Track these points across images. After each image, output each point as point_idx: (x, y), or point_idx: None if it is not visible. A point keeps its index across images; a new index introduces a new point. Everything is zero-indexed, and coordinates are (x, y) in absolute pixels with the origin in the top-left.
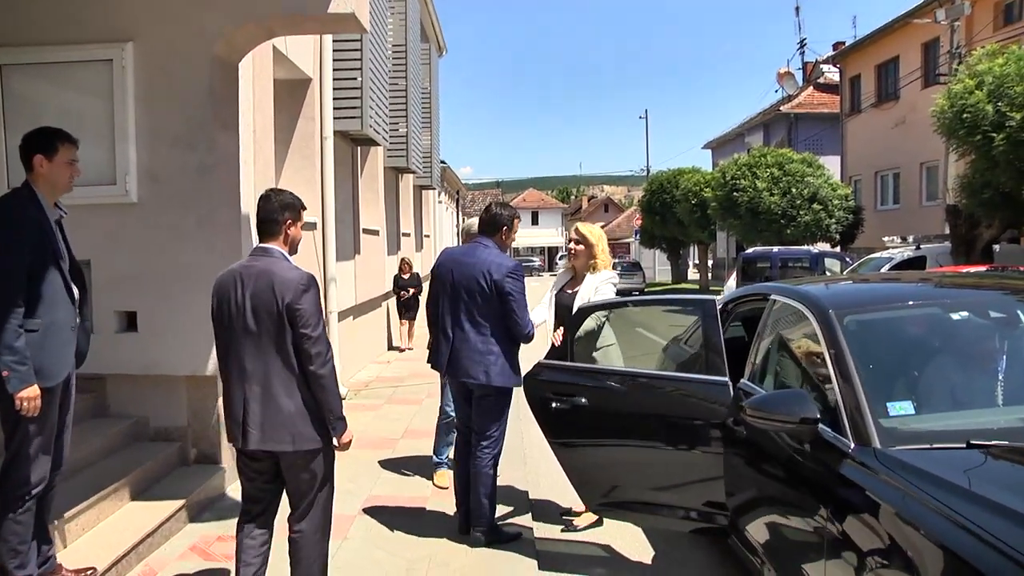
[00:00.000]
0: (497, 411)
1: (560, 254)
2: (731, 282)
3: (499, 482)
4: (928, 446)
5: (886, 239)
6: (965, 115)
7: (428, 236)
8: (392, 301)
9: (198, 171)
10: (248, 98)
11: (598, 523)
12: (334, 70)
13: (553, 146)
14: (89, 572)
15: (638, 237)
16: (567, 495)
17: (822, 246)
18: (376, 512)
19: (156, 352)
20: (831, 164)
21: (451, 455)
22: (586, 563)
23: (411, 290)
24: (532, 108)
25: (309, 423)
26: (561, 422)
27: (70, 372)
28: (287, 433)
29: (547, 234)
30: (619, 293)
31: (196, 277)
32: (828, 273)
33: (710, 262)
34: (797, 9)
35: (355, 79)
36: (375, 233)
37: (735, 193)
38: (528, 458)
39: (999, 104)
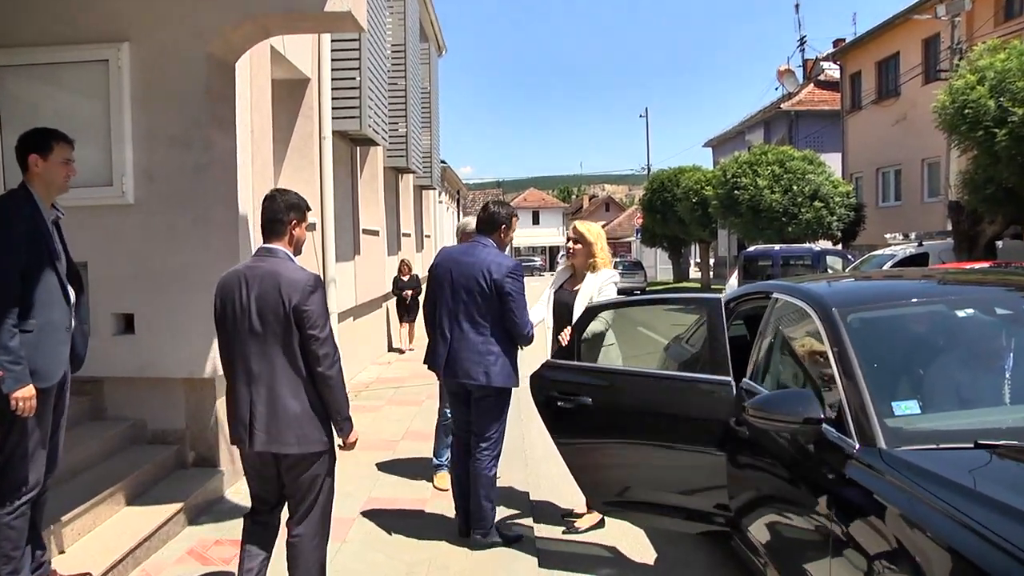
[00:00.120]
0: (497, 412)
1: (561, 254)
2: (733, 280)
3: (499, 483)
4: (935, 446)
5: (888, 236)
6: (967, 111)
7: (428, 236)
8: (392, 302)
9: (194, 171)
10: (246, 98)
11: (600, 524)
12: (333, 70)
13: (554, 145)
14: None
15: (639, 236)
16: (568, 496)
17: (824, 244)
18: (375, 515)
19: (153, 354)
20: (832, 161)
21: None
22: (588, 565)
23: (411, 292)
24: (532, 107)
25: (314, 425)
26: (566, 421)
27: (65, 373)
28: (292, 435)
29: (548, 234)
30: (620, 292)
31: (193, 278)
32: (830, 271)
33: (711, 261)
34: (797, 6)
35: (354, 79)
36: (375, 233)
37: (736, 191)
38: (529, 459)
39: (1001, 99)
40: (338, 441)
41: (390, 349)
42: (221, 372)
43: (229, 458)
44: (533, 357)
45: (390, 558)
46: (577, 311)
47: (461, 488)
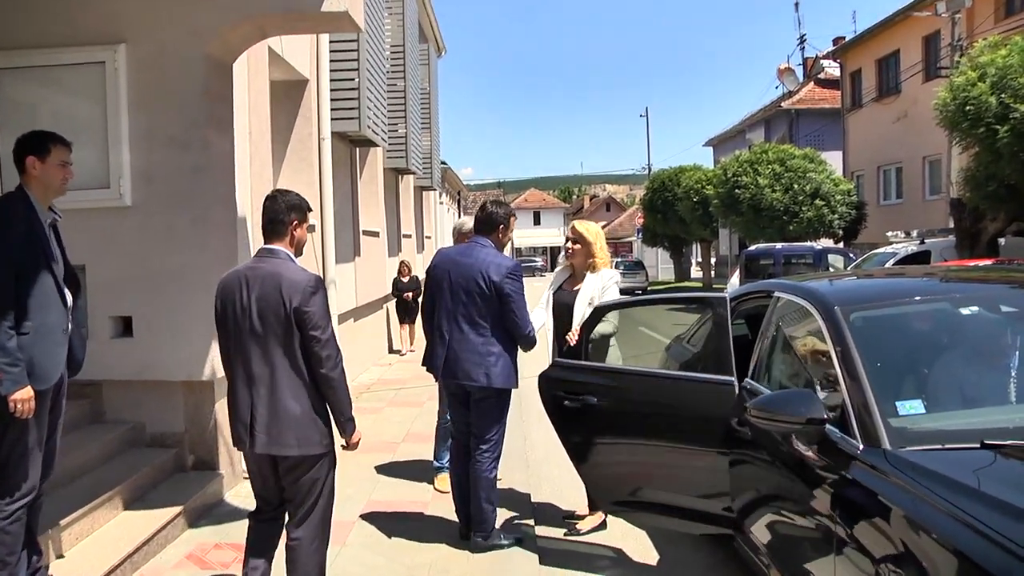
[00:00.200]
0: (497, 413)
1: (563, 255)
2: (734, 279)
3: (500, 485)
4: (940, 446)
5: (890, 234)
6: (968, 107)
7: (429, 237)
8: (393, 303)
9: (192, 172)
10: (243, 99)
11: (602, 526)
12: (331, 71)
13: (554, 146)
14: None
15: (640, 236)
16: (570, 498)
17: (825, 242)
18: (375, 518)
19: (152, 357)
20: (833, 159)
21: None
22: (590, 567)
23: (411, 293)
24: (533, 108)
25: (315, 427)
26: (573, 421)
27: (62, 376)
28: (293, 437)
29: (549, 234)
30: (621, 292)
31: (192, 279)
32: (832, 269)
33: (713, 260)
34: (796, 5)
35: (352, 80)
36: (375, 235)
37: (737, 190)
38: (530, 460)
39: (1003, 96)
40: (341, 441)
41: (390, 351)
42: (220, 375)
43: (228, 461)
44: (533, 359)
45: (390, 561)
46: (577, 311)
47: (461, 491)
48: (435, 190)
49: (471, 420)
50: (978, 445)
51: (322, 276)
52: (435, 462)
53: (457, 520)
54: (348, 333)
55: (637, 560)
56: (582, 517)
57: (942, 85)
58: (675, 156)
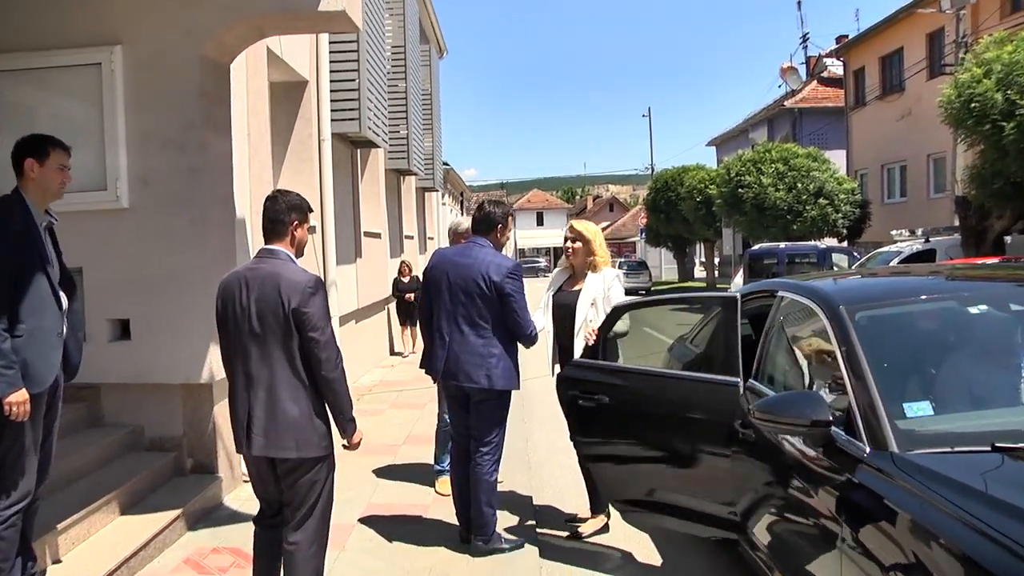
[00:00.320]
0: (497, 415)
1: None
2: (738, 279)
3: (502, 488)
4: (949, 449)
5: (894, 233)
6: (973, 104)
7: (432, 238)
8: (395, 304)
9: (189, 173)
10: (242, 100)
11: (604, 530)
12: (331, 72)
13: (557, 146)
14: None
15: (643, 236)
16: (572, 501)
17: (829, 241)
18: (375, 521)
19: (150, 360)
20: (836, 158)
21: None
22: (592, 571)
23: (412, 294)
24: (536, 109)
25: (314, 429)
26: (586, 420)
27: (58, 380)
28: (291, 439)
29: (552, 235)
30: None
31: (189, 281)
32: (836, 268)
33: (716, 259)
34: (799, 3)
35: (352, 80)
36: (377, 236)
37: (740, 189)
38: (532, 462)
39: (1008, 92)
40: (343, 442)
41: (392, 353)
42: (219, 377)
43: (227, 464)
44: (535, 361)
45: (389, 565)
46: (580, 312)
47: (461, 494)
48: (437, 191)
49: (471, 423)
50: (989, 448)
51: (323, 277)
52: (436, 465)
53: (458, 523)
54: (349, 335)
55: (640, 564)
56: (584, 520)
57: (946, 82)
58: (678, 156)
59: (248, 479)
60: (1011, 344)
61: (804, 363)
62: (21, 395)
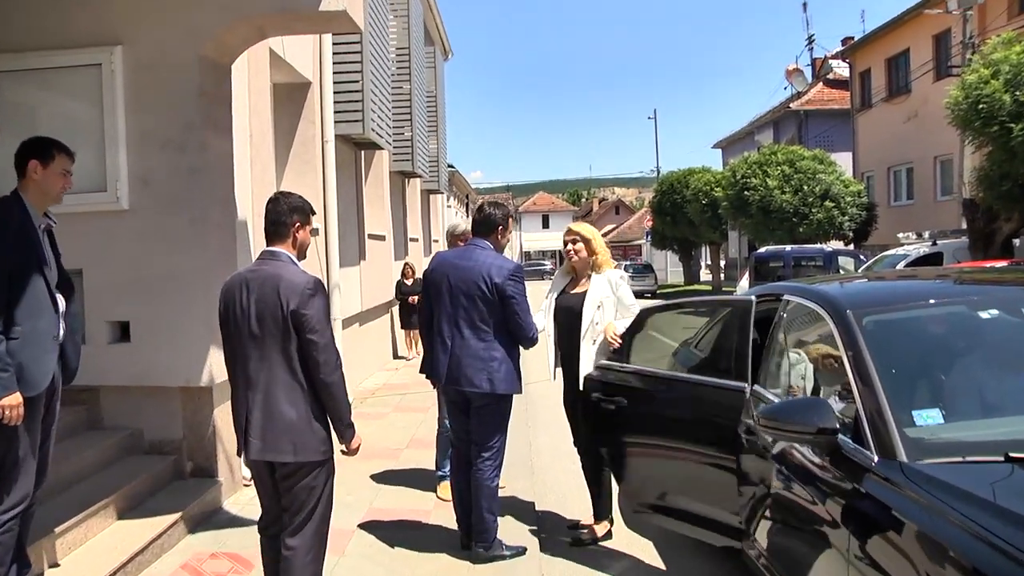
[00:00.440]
0: (498, 419)
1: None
2: (744, 282)
3: (504, 493)
4: (960, 459)
5: (901, 235)
6: (981, 106)
7: (436, 241)
8: (398, 307)
9: (189, 174)
10: (244, 101)
11: (607, 536)
12: (335, 73)
13: (563, 149)
14: None
15: (649, 239)
16: (575, 506)
17: (835, 244)
18: (375, 526)
19: (149, 362)
20: (843, 160)
21: None
22: None
23: (415, 297)
24: (541, 111)
25: (313, 433)
26: (606, 422)
27: (56, 383)
28: (288, 442)
29: (558, 237)
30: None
31: (189, 282)
32: (842, 271)
33: (722, 262)
34: (804, 5)
35: (356, 82)
36: (381, 238)
37: (746, 192)
38: (536, 468)
39: (1017, 93)
40: (341, 447)
41: (395, 356)
42: (219, 380)
43: (227, 468)
44: (537, 366)
45: (389, 572)
46: (586, 314)
47: (462, 499)
48: (442, 193)
49: (472, 428)
50: (1002, 458)
51: (325, 280)
52: (437, 471)
53: (458, 530)
54: (353, 338)
55: (643, 571)
56: (587, 527)
57: (954, 84)
58: (684, 158)
59: (248, 483)
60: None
61: (810, 369)
62: (15, 399)
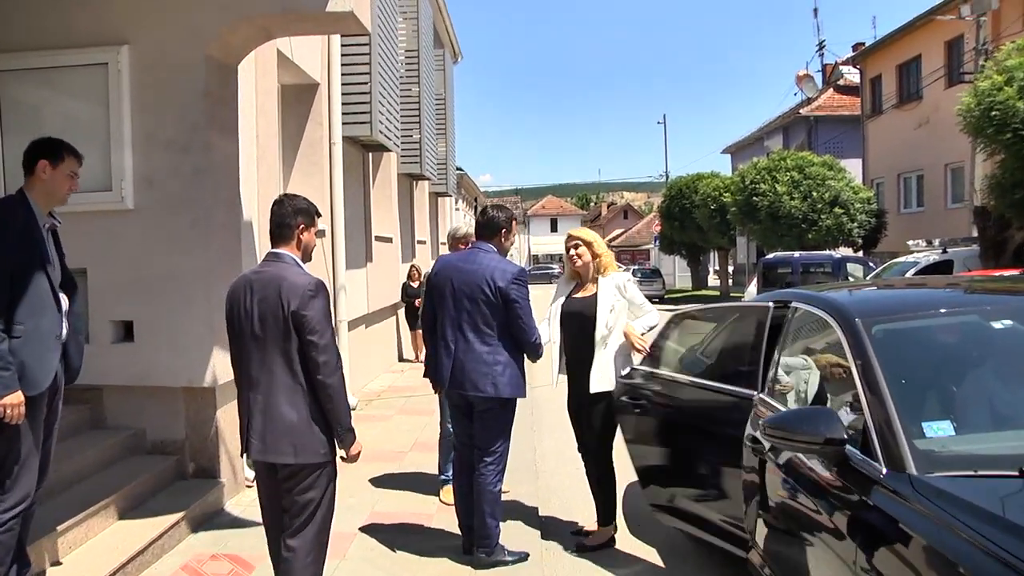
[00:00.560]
0: (502, 424)
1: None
2: (752, 288)
3: (507, 497)
4: (972, 473)
5: (911, 243)
6: (994, 112)
7: (444, 243)
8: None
9: (194, 174)
10: (250, 102)
11: (610, 543)
12: (343, 75)
13: (572, 153)
14: None
15: (657, 243)
16: (579, 512)
17: (844, 251)
18: (377, 530)
19: (153, 362)
20: (852, 167)
21: None
22: None
23: (421, 299)
24: (551, 115)
25: (314, 435)
26: (632, 424)
27: (58, 382)
28: (289, 444)
29: None
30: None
31: (193, 283)
32: (851, 278)
33: (730, 268)
34: (816, 11)
35: (364, 84)
36: (388, 240)
37: (755, 197)
38: (540, 472)
39: None
40: (340, 453)
41: (401, 359)
42: (222, 381)
43: (230, 469)
44: (543, 370)
45: None
46: (601, 318)
47: (464, 504)
48: (450, 196)
49: (475, 432)
50: (1016, 473)
51: (332, 282)
52: (440, 475)
53: (461, 534)
54: (359, 340)
55: None
56: (591, 532)
57: (966, 90)
58: (693, 163)
59: (250, 484)
60: None
61: (817, 378)
62: (16, 397)
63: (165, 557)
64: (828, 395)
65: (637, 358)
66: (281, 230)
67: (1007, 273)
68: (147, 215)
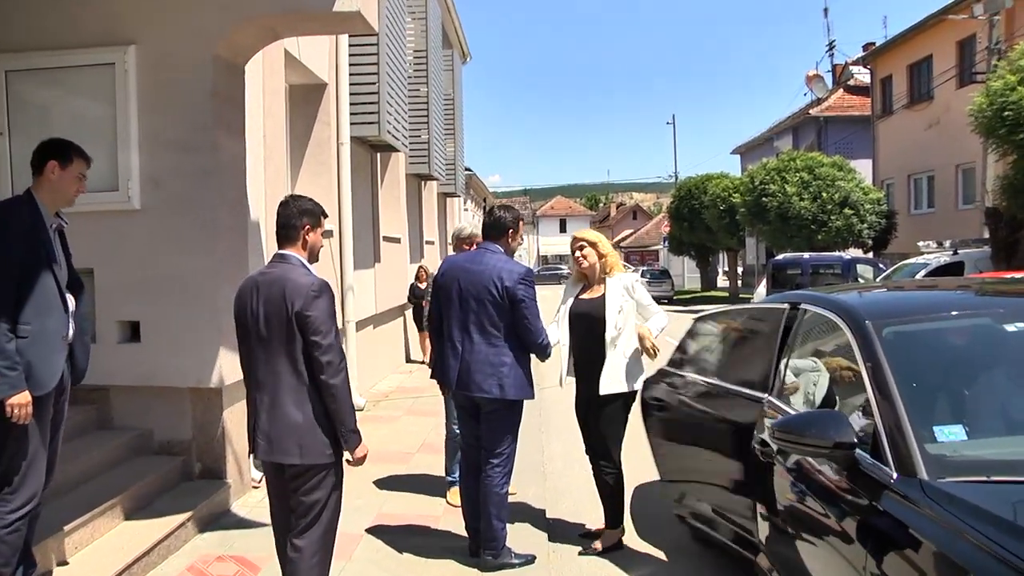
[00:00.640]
0: (508, 425)
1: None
2: (761, 289)
3: (515, 499)
4: (985, 478)
5: (921, 244)
6: (1006, 113)
7: (452, 244)
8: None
9: (201, 175)
10: (258, 103)
11: (619, 546)
12: (351, 75)
13: (581, 153)
14: None
15: (666, 244)
16: (587, 513)
17: (854, 252)
18: (383, 531)
19: (159, 362)
20: (862, 168)
21: None
22: None
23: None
24: (560, 115)
25: (319, 435)
26: (654, 422)
27: (64, 382)
28: (294, 444)
29: None
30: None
31: (199, 283)
32: (861, 280)
33: (740, 269)
34: (826, 10)
35: (372, 84)
36: (396, 241)
37: (764, 198)
38: (548, 474)
39: None
40: (346, 456)
41: (408, 359)
42: (228, 381)
43: (236, 470)
44: (552, 371)
45: None
46: (610, 319)
47: (471, 506)
48: (459, 196)
49: (481, 433)
50: None
51: (339, 282)
52: (447, 476)
53: (467, 536)
54: (367, 340)
55: None
56: (599, 535)
57: (977, 91)
58: (702, 164)
59: (256, 485)
60: None
61: (827, 380)
62: (23, 397)
63: (171, 558)
64: (837, 398)
65: (646, 360)
66: (287, 231)
67: (1019, 275)
68: (154, 215)
